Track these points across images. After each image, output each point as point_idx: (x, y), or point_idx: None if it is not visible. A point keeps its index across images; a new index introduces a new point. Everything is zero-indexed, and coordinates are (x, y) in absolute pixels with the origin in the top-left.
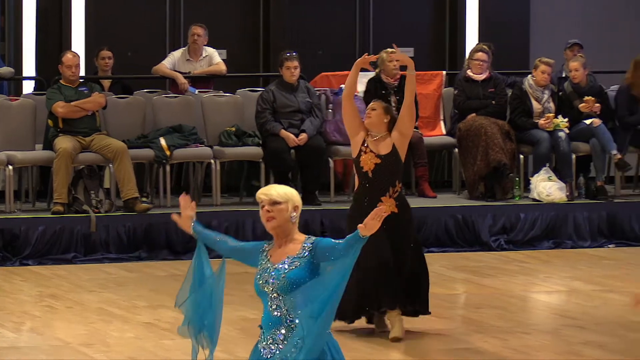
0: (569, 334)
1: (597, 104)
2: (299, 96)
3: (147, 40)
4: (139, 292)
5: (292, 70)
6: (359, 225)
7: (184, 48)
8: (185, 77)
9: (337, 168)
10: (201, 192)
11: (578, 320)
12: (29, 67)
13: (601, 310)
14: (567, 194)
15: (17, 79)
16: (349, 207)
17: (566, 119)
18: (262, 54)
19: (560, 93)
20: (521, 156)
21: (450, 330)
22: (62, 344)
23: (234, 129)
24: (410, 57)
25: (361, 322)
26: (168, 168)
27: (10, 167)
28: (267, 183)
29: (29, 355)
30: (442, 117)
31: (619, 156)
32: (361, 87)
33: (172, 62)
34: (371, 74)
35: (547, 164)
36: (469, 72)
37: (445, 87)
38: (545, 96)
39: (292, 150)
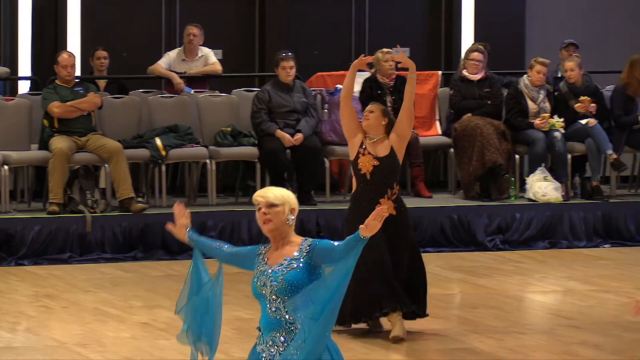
0: (565, 333)
1: (593, 104)
2: (294, 96)
3: (142, 40)
4: (135, 292)
5: (287, 70)
6: (360, 226)
7: (179, 48)
8: (181, 77)
9: (333, 168)
10: (197, 192)
11: (573, 320)
12: (24, 67)
13: (597, 310)
14: (563, 194)
15: (13, 79)
16: (344, 208)
17: (562, 119)
18: (257, 54)
19: (556, 93)
20: (517, 156)
21: (446, 331)
22: (57, 344)
23: (229, 129)
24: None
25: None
26: (164, 168)
27: (6, 167)
28: (262, 183)
29: (25, 355)
30: (437, 117)
31: (614, 156)
32: (357, 87)
33: (167, 62)
34: (367, 74)
35: (543, 164)
36: (464, 72)
37: (441, 87)
38: (541, 96)
39: (288, 150)
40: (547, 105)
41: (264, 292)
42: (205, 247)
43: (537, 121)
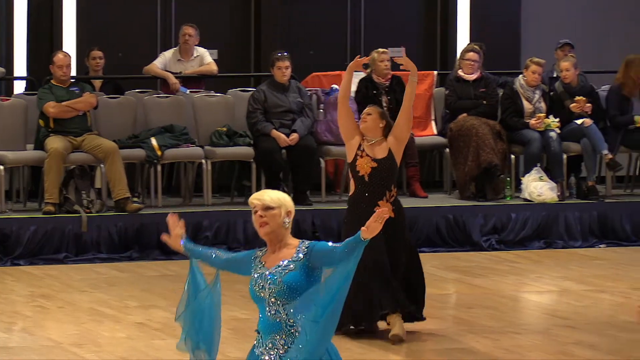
0: (560, 333)
1: (588, 104)
2: (290, 96)
3: (138, 40)
4: (131, 292)
5: (283, 70)
6: (362, 228)
7: (175, 48)
8: (176, 77)
9: (329, 168)
10: (192, 192)
11: (569, 320)
12: (20, 67)
13: (592, 310)
14: (558, 194)
15: (8, 79)
16: (340, 208)
17: (557, 119)
18: (253, 54)
19: (552, 93)
20: (512, 156)
21: (441, 330)
22: (53, 344)
23: (225, 129)
24: (400, 57)
25: None
26: (159, 168)
27: (2, 167)
28: (258, 183)
29: (20, 355)
30: (433, 117)
31: (610, 156)
32: (352, 87)
33: (163, 62)
34: (363, 74)
35: (538, 164)
36: (460, 72)
37: (436, 87)
38: (537, 96)
39: (284, 150)
40: (543, 105)
41: (262, 295)
42: (201, 255)
43: (532, 121)
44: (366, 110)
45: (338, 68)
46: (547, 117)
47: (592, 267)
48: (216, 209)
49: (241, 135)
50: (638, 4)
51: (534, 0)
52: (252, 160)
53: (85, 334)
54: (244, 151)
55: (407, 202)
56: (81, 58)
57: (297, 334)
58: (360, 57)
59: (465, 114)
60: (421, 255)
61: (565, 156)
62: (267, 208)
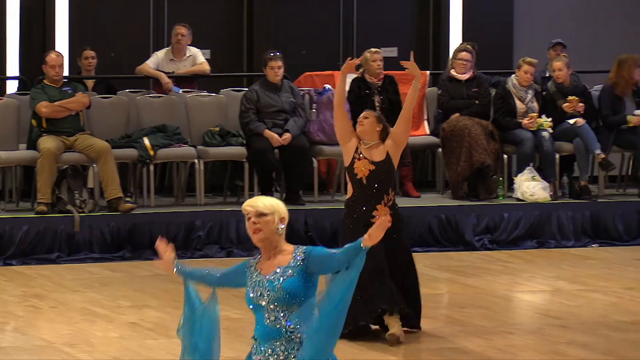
0: (553, 333)
1: (581, 104)
2: (282, 96)
3: (130, 40)
4: (123, 292)
5: (275, 70)
6: (364, 236)
7: (167, 48)
8: (169, 77)
9: (321, 168)
10: (185, 192)
11: (562, 319)
12: (12, 66)
13: (585, 310)
14: (551, 193)
15: (1, 78)
16: (333, 207)
17: (550, 119)
18: (245, 54)
19: (544, 93)
20: (505, 156)
21: (434, 330)
22: (45, 344)
23: (217, 128)
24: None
25: None
26: (152, 168)
27: None
28: (250, 183)
29: (12, 355)
30: (425, 117)
31: (602, 156)
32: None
33: (155, 62)
34: (355, 75)
35: (531, 164)
36: (452, 72)
37: (429, 87)
38: (529, 96)
39: (276, 150)
40: (535, 105)
41: (260, 302)
42: (196, 277)
43: (525, 121)
44: (363, 114)
45: (330, 68)
46: (539, 116)
47: (584, 267)
48: (209, 209)
49: (234, 135)
50: (630, 3)
51: (527, 0)
52: (244, 160)
53: (78, 334)
54: (237, 151)
55: (399, 202)
56: (74, 58)
57: (297, 340)
58: (351, 59)
59: (457, 114)
60: (414, 255)
61: (557, 156)
62: (261, 214)
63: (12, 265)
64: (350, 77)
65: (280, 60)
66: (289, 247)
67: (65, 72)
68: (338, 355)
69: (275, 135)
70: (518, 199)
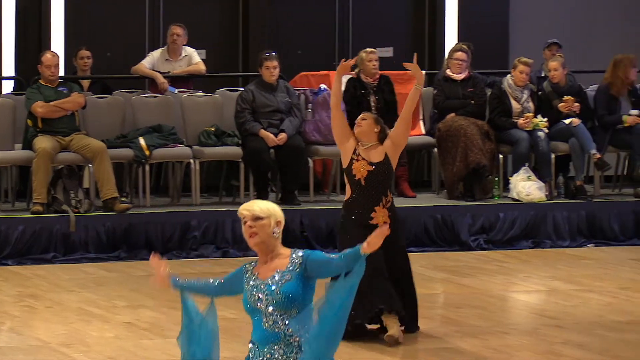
0: (549, 333)
1: (576, 104)
2: (278, 96)
3: (126, 40)
4: (119, 292)
5: (271, 70)
6: (362, 245)
7: (163, 48)
8: (164, 77)
9: (317, 168)
10: (180, 192)
11: (557, 319)
12: (8, 66)
13: (580, 310)
14: (547, 193)
15: None
16: (328, 207)
17: (545, 119)
18: (241, 54)
19: (540, 93)
20: (500, 156)
21: (429, 330)
22: (41, 344)
23: (213, 128)
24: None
25: None
26: (147, 168)
27: None
28: (246, 183)
29: (8, 355)
30: (421, 117)
31: (598, 156)
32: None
33: (151, 61)
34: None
35: (527, 164)
36: (448, 72)
37: (424, 87)
38: (525, 96)
39: (272, 150)
40: (531, 105)
41: (259, 306)
42: (193, 289)
43: (520, 121)
44: (361, 115)
45: (326, 68)
46: (535, 116)
47: (580, 267)
48: (204, 209)
49: (229, 135)
50: (626, 3)
51: (522, 0)
52: (240, 160)
53: (74, 334)
54: (232, 151)
55: (395, 202)
56: (69, 58)
57: (295, 344)
58: (345, 60)
59: (453, 114)
60: (409, 254)
61: (553, 156)
62: (257, 218)
63: (8, 265)
64: (345, 77)
65: (276, 60)
66: (286, 251)
67: (61, 72)
68: (338, 355)
69: (271, 135)
70: (514, 199)
